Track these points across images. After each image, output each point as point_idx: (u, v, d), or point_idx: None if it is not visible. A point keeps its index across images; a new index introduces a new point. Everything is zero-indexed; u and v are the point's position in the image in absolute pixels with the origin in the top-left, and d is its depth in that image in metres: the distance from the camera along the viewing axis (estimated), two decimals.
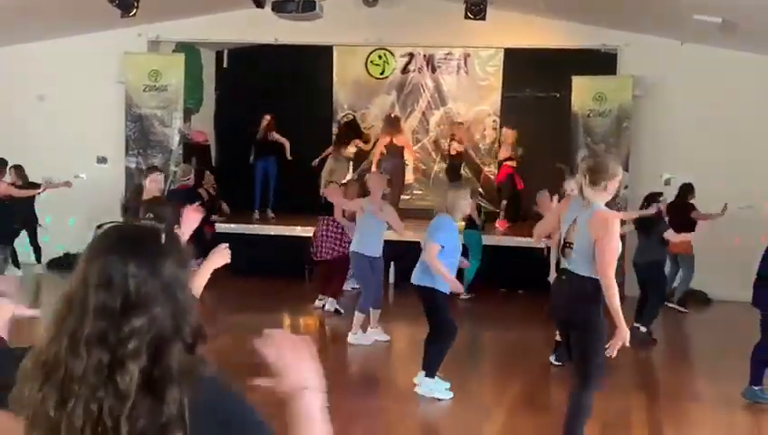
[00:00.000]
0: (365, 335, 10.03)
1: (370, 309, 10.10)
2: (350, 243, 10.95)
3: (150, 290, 1.83)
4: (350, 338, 9.96)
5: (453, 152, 15.64)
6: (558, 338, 8.50)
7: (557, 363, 9.01)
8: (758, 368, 7.91)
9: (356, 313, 10.07)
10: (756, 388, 7.88)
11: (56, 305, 1.88)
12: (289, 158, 15.41)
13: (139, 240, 1.91)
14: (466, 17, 11.38)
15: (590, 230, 5.67)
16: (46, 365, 1.82)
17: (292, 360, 1.99)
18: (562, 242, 5.90)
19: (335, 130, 16.89)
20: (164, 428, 1.78)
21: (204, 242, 8.68)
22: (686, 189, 12.56)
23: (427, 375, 7.91)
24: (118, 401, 1.77)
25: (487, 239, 13.51)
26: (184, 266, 1.93)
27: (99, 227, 2.00)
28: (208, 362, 1.92)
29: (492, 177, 16.53)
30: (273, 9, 11.79)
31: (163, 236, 1.93)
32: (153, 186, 8.75)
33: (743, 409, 7.84)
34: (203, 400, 1.83)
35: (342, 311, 11.61)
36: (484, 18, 11.30)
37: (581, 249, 5.71)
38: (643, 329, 10.47)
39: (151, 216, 4.83)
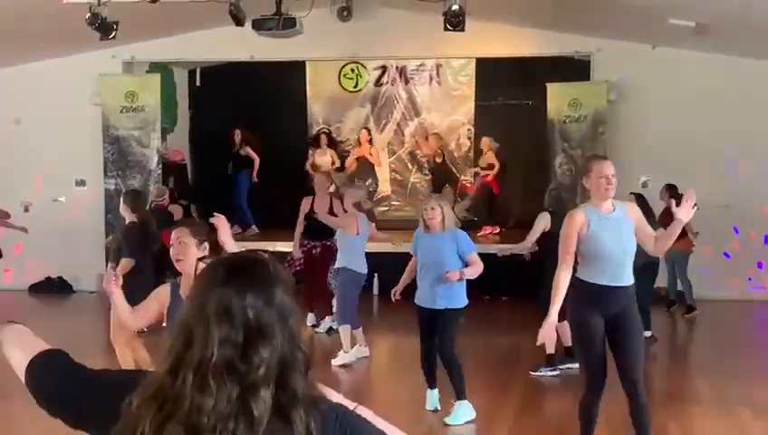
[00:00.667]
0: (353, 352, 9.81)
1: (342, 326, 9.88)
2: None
3: (268, 319, 1.87)
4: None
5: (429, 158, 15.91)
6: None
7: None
8: None
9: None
10: None
11: (171, 340, 1.90)
12: (255, 179, 15.50)
13: (252, 271, 1.94)
14: (446, 29, 11.45)
15: None
16: (164, 401, 1.83)
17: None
18: None
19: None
20: None
21: None
22: (674, 189, 12.56)
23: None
24: (250, 429, 1.80)
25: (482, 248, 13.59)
26: (290, 294, 1.97)
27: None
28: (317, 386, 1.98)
29: (469, 185, 16.62)
30: (253, 27, 11.79)
31: (272, 265, 1.97)
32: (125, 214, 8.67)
33: (744, 408, 7.95)
34: (322, 419, 1.89)
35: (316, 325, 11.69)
36: (463, 29, 11.39)
37: None
38: (648, 333, 10.57)
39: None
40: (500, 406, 8.22)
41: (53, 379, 2.13)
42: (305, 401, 1.87)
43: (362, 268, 9.78)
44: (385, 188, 17.23)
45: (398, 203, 17.33)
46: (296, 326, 1.94)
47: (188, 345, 1.85)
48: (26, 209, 14.79)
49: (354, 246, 9.78)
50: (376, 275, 13.68)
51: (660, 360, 10.49)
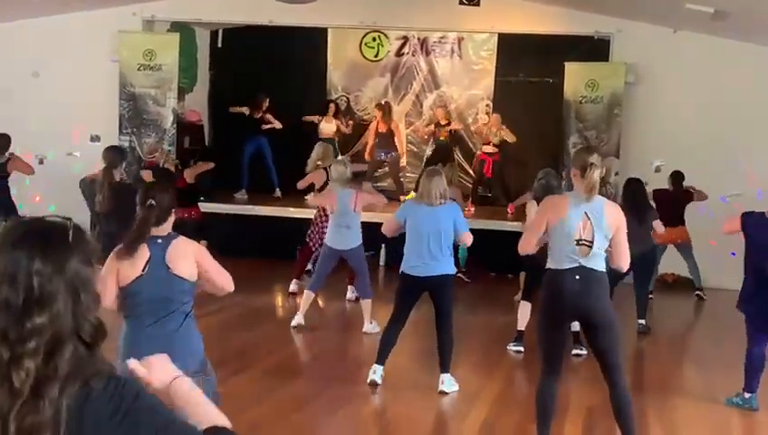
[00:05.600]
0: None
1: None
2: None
3: (54, 288, 1.84)
4: (366, 328, 9.88)
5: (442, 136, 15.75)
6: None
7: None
8: None
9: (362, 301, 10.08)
10: None
11: None
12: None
13: (47, 237, 1.91)
14: (461, 3, 11.42)
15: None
16: None
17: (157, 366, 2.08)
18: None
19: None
20: (35, 427, 1.78)
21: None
22: (680, 178, 12.54)
23: None
24: (10, 398, 1.77)
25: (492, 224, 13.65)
26: (89, 264, 1.94)
27: (5, 220, 1.97)
28: (107, 361, 1.93)
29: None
30: None
31: (71, 232, 1.93)
32: None
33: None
34: (86, 400, 1.83)
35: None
36: (478, 4, 11.35)
37: None
38: (642, 322, 10.52)
39: (152, 202, 4.76)
40: (485, 383, 8.26)
41: None
42: (68, 378, 1.82)
43: (329, 241, 9.94)
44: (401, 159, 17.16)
45: (413, 175, 17.23)
46: (87, 297, 1.90)
47: None
48: (41, 162, 14.87)
49: (332, 222, 9.94)
50: (383, 245, 13.70)
51: (653, 348, 10.43)
